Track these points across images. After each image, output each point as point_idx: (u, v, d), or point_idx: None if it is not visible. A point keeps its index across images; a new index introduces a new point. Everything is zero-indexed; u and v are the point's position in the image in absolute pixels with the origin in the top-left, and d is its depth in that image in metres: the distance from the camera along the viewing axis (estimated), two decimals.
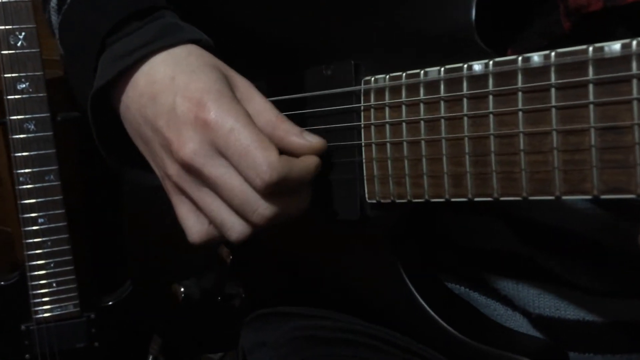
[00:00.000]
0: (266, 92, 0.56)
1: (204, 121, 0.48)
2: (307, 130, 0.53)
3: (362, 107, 0.52)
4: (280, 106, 0.56)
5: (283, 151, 0.50)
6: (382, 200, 0.52)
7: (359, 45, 0.54)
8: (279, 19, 0.59)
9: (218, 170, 0.49)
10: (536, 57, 0.42)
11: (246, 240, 0.51)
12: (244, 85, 0.53)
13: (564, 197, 0.42)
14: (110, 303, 1.28)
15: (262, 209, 0.48)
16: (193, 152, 0.48)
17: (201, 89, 0.49)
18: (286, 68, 0.58)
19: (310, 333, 0.55)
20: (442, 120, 0.47)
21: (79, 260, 1.26)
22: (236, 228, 0.50)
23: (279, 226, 0.51)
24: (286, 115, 0.56)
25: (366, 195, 0.53)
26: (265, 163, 0.47)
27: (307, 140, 0.51)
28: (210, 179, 0.49)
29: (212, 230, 0.53)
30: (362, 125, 0.52)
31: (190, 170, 0.50)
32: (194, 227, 0.53)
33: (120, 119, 0.57)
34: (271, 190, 0.48)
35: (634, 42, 0.38)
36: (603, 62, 0.39)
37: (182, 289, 0.72)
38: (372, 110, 0.52)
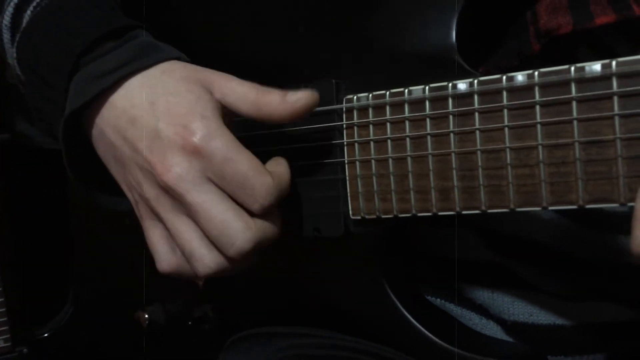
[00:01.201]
0: None
1: (194, 148, 0.47)
2: (283, 145, 0.54)
3: (344, 125, 0.53)
4: (258, 126, 0.56)
5: (275, 122, 0.50)
6: (367, 217, 0.53)
7: (338, 65, 0.55)
8: (256, 39, 0.59)
9: (201, 197, 0.48)
10: (520, 76, 0.45)
11: (212, 276, 0.50)
12: (219, 80, 0.51)
13: (550, 208, 0.44)
14: (45, 335, 1.21)
15: (240, 242, 0.47)
16: (178, 177, 0.48)
17: (184, 113, 0.49)
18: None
19: (298, 352, 0.55)
20: (429, 137, 0.49)
21: (9, 291, 1.18)
22: (205, 260, 0.49)
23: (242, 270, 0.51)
24: (264, 133, 0.56)
25: (350, 212, 0.54)
26: (263, 189, 0.47)
27: (291, 101, 0.49)
28: (192, 205, 0.48)
29: (182, 262, 0.52)
30: (345, 143, 0.53)
31: (172, 194, 0.49)
32: (165, 254, 0.52)
33: (90, 143, 0.55)
34: (267, 212, 0.48)
35: (614, 63, 0.41)
36: (584, 81, 0.42)
37: (147, 315, 0.70)
38: (355, 128, 0.53)
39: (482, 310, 0.59)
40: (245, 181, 0.47)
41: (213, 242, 0.48)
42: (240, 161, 0.47)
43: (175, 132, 0.48)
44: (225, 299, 0.66)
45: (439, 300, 0.60)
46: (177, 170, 0.47)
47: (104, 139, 0.52)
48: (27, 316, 1.26)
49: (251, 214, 0.48)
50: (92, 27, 0.53)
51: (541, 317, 0.57)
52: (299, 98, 0.49)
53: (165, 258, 0.51)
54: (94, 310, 0.91)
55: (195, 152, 0.47)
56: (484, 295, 0.58)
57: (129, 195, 0.53)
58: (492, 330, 0.59)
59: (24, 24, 0.60)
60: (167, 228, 0.50)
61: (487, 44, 0.54)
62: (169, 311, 0.70)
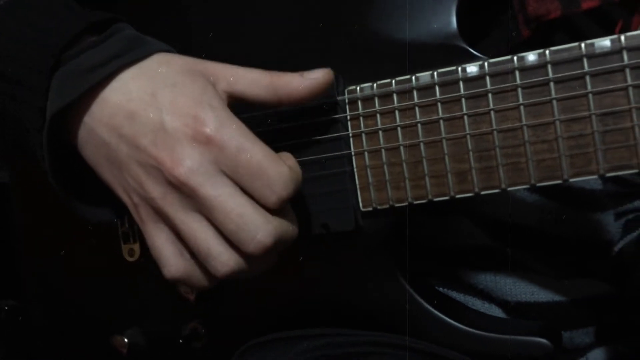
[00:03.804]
0: (242, 108, 0.53)
1: (206, 138, 0.44)
2: (284, 142, 0.53)
3: (348, 117, 0.52)
4: (258, 121, 0.54)
5: (294, 103, 0.49)
6: (379, 207, 0.52)
7: (336, 58, 0.54)
8: (251, 34, 0.57)
9: (216, 190, 0.45)
10: (531, 56, 0.46)
11: (230, 278, 0.47)
12: (223, 70, 0.49)
13: (572, 180, 0.46)
14: None
15: (262, 235, 0.44)
16: (190, 170, 0.44)
17: (191, 104, 0.46)
18: None
19: (321, 353, 0.52)
20: (441, 122, 0.49)
21: None
22: (223, 258, 0.46)
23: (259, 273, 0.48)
24: (265, 130, 0.54)
25: (360, 204, 0.53)
26: (280, 179, 0.45)
27: (311, 79, 0.48)
28: (206, 200, 0.45)
29: (191, 266, 0.48)
30: (351, 135, 0.52)
31: (183, 190, 0.45)
32: (172, 258, 0.48)
33: (71, 146, 0.50)
34: (283, 206, 0.46)
35: (622, 37, 0.43)
36: (596, 56, 0.44)
37: (126, 340, 0.64)
38: (361, 118, 0.52)
39: (484, 295, 0.60)
40: (261, 171, 0.45)
41: (230, 238, 0.45)
42: (254, 151, 0.45)
43: (184, 123, 0.45)
44: (215, 312, 0.62)
45: (441, 288, 0.60)
46: (189, 163, 0.44)
47: (93, 139, 0.48)
48: None
49: (267, 208, 0.46)
50: (72, 21, 0.49)
51: (541, 295, 0.59)
52: (318, 74, 0.49)
53: (173, 262, 0.47)
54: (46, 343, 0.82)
55: (207, 143, 0.45)
56: (486, 280, 0.59)
57: (125, 198, 0.49)
58: (495, 313, 0.60)
59: None
60: (174, 229, 0.47)
61: (477, 32, 0.55)
62: (150, 332, 0.65)
